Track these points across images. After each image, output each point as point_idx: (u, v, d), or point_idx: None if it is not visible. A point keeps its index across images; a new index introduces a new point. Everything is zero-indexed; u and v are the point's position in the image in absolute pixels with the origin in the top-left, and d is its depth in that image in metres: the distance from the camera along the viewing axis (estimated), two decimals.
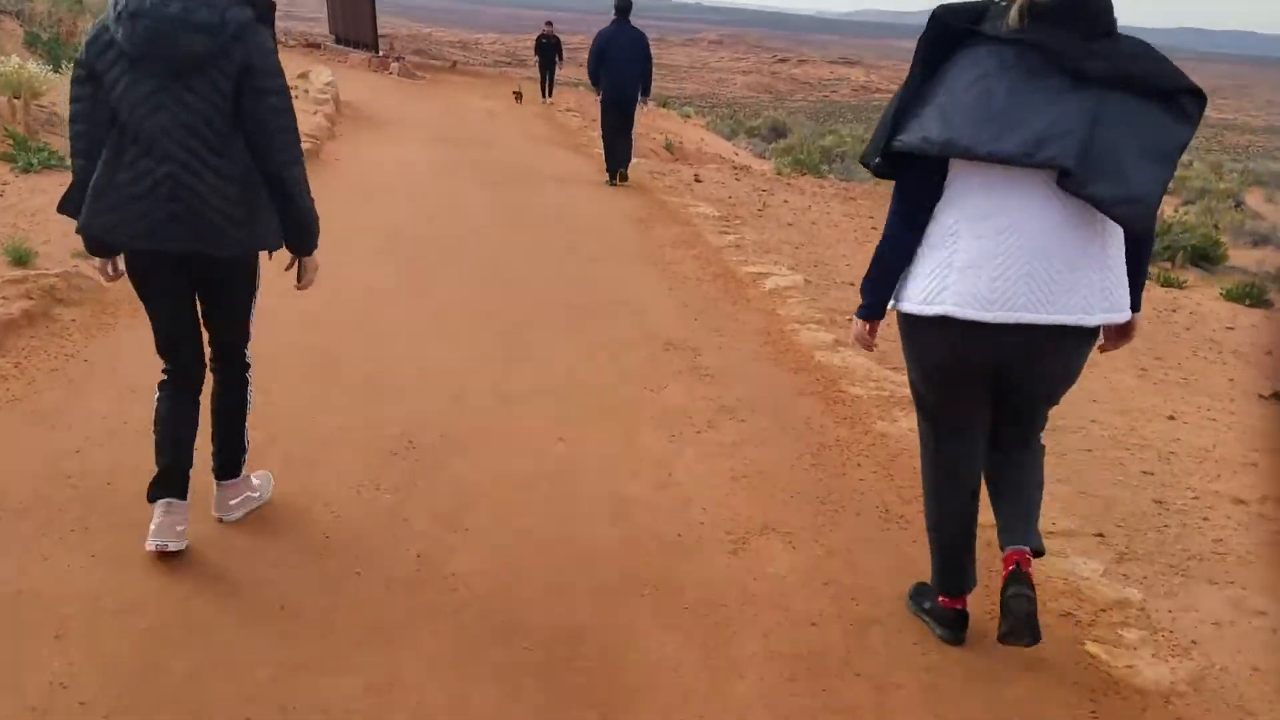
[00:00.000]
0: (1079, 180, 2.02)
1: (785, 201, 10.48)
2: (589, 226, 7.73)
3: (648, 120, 22.73)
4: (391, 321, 4.83)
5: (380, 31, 27.78)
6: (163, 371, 2.69)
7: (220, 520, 2.76)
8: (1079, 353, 2.25)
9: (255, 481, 2.89)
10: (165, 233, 2.39)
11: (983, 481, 2.47)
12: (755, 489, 3.31)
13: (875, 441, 3.81)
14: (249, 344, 2.77)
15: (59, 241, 5.17)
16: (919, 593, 2.62)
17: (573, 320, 5.14)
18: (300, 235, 2.61)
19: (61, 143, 7.79)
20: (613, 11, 9.63)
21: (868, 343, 2.46)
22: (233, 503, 2.77)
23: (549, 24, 19.55)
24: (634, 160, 11.71)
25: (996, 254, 2.11)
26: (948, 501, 2.44)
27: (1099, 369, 5.20)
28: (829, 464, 3.59)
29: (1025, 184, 2.10)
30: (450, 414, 3.75)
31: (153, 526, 2.53)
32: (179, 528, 2.55)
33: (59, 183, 6.69)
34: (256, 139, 2.41)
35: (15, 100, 7.62)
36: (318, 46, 28.58)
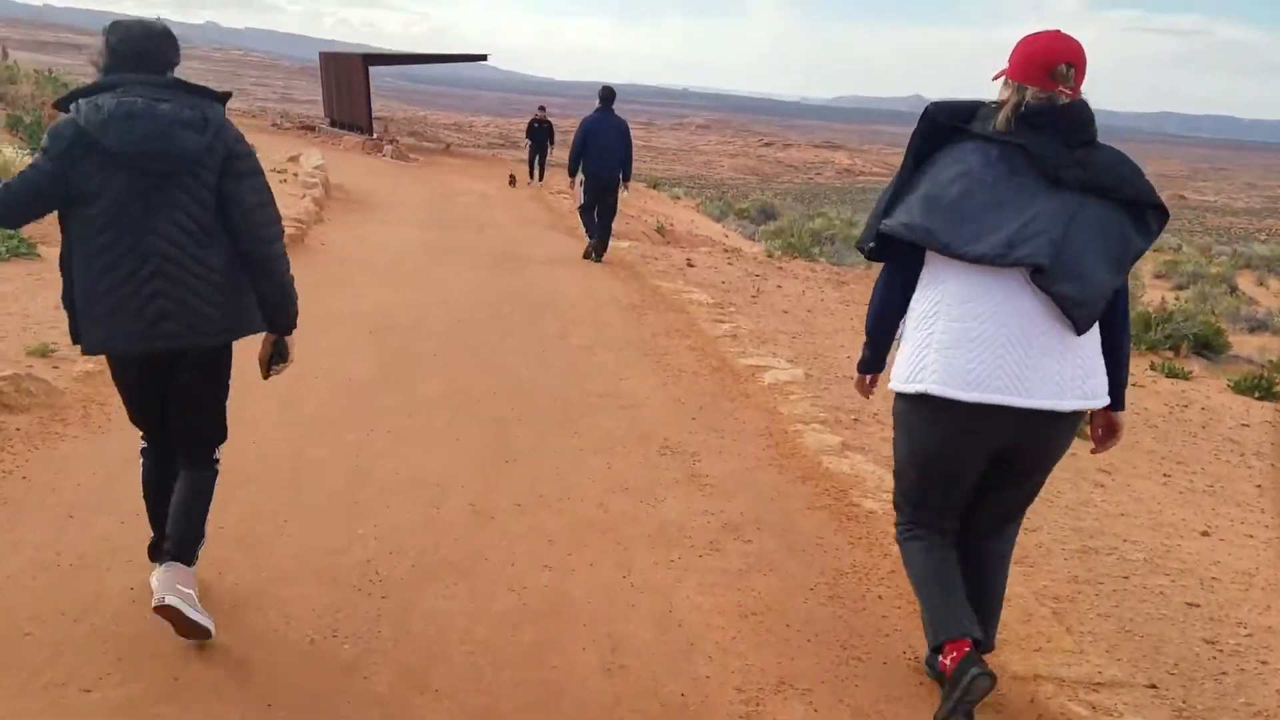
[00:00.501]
0: (1049, 278, 2.15)
1: (779, 287, 10.29)
2: (580, 313, 7.46)
3: (638, 202, 22.85)
4: (369, 419, 4.49)
5: (376, 114, 28.13)
6: (143, 439, 2.73)
7: (162, 601, 2.42)
8: (1055, 440, 2.33)
9: (196, 601, 2.56)
10: (157, 332, 2.41)
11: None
12: (767, 630, 2.94)
13: (895, 567, 3.45)
14: (220, 445, 2.73)
15: (15, 336, 4.86)
16: (932, 657, 2.52)
17: (563, 417, 4.81)
18: (280, 312, 2.63)
19: (33, 229, 7.55)
20: (597, 100, 9.94)
21: (865, 391, 2.74)
22: (180, 588, 2.48)
23: (542, 109, 19.70)
24: (627, 244, 11.57)
25: (973, 338, 2.22)
26: (923, 570, 2.48)
27: (1121, 476, 4.89)
28: (847, 595, 3.22)
29: (1002, 275, 2.21)
30: (425, 534, 3.38)
31: (154, 584, 2.50)
32: (175, 598, 2.44)
33: (26, 272, 6.44)
34: (237, 220, 2.46)
35: None
36: (313, 129, 28.84)
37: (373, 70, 27.37)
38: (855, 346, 7.31)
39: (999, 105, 2.28)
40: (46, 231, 7.94)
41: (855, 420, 5.30)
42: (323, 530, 3.34)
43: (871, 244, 2.41)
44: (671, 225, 17.07)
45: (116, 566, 2.93)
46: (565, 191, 19.76)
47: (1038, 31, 2.32)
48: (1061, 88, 2.24)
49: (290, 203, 10.90)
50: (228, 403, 2.74)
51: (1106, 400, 2.31)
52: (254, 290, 2.55)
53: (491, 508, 3.67)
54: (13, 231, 6.56)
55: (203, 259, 2.42)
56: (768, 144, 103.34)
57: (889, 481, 4.15)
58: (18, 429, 3.83)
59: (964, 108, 2.34)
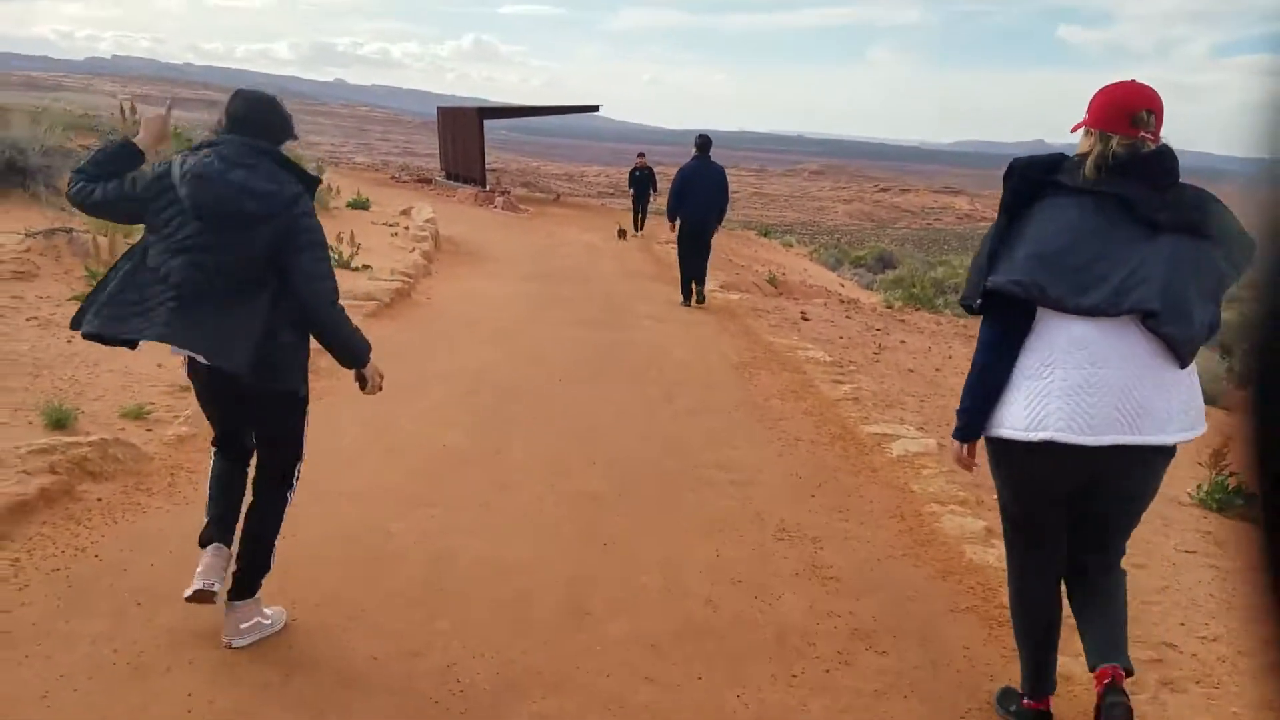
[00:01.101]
0: (1160, 320, 2.21)
1: (902, 342, 9.67)
2: (687, 372, 7.06)
3: (748, 250, 22.45)
4: (457, 491, 4.18)
5: (490, 166, 28.78)
6: (212, 443, 2.97)
7: (229, 645, 2.74)
8: (1161, 470, 2.41)
9: (268, 611, 2.88)
10: (166, 335, 2.59)
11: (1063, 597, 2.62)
12: None
13: (1062, 690, 2.87)
14: (299, 465, 2.93)
15: (112, 396, 4.78)
16: (1004, 696, 2.78)
17: (666, 493, 4.39)
18: (345, 357, 2.85)
19: None
20: (693, 148, 10.07)
21: (968, 464, 2.58)
22: (243, 626, 2.78)
23: (641, 155, 18.77)
24: (737, 295, 11.18)
25: (1092, 384, 2.26)
26: (1033, 608, 2.60)
27: None
28: None
29: (1114, 321, 2.27)
30: (511, 635, 3.00)
31: (199, 569, 2.74)
32: (223, 569, 2.77)
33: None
34: (299, 284, 2.66)
35: (102, 238, 7.58)
36: (428, 182, 29.70)
37: (491, 124, 28.05)
38: None
39: (1084, 156, 2.33)
40: None
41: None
42: (401, 624, 3.00)
43: (978, 300, 2.42)
44: (784, 275, 16.57)
45: (177, 667, 2.66)
46: (670, 241, 19.57)
47: (1116, 82, 2.38)
48: (1144, 134, 2.29)
49: (400, 256, 10.97)
50: (302, 449, 2.94)
51: (1205, 428, 2.37)
52: (321, 342, 2.79)
53: (585, 602, 3.26)
54: None
55: (235, 312, 2.59)
56: (884, 189, 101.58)
57: None
58: (99, 499, 3.66)
59: (1049, 161, 2.39)
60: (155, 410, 4.60)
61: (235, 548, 2.84)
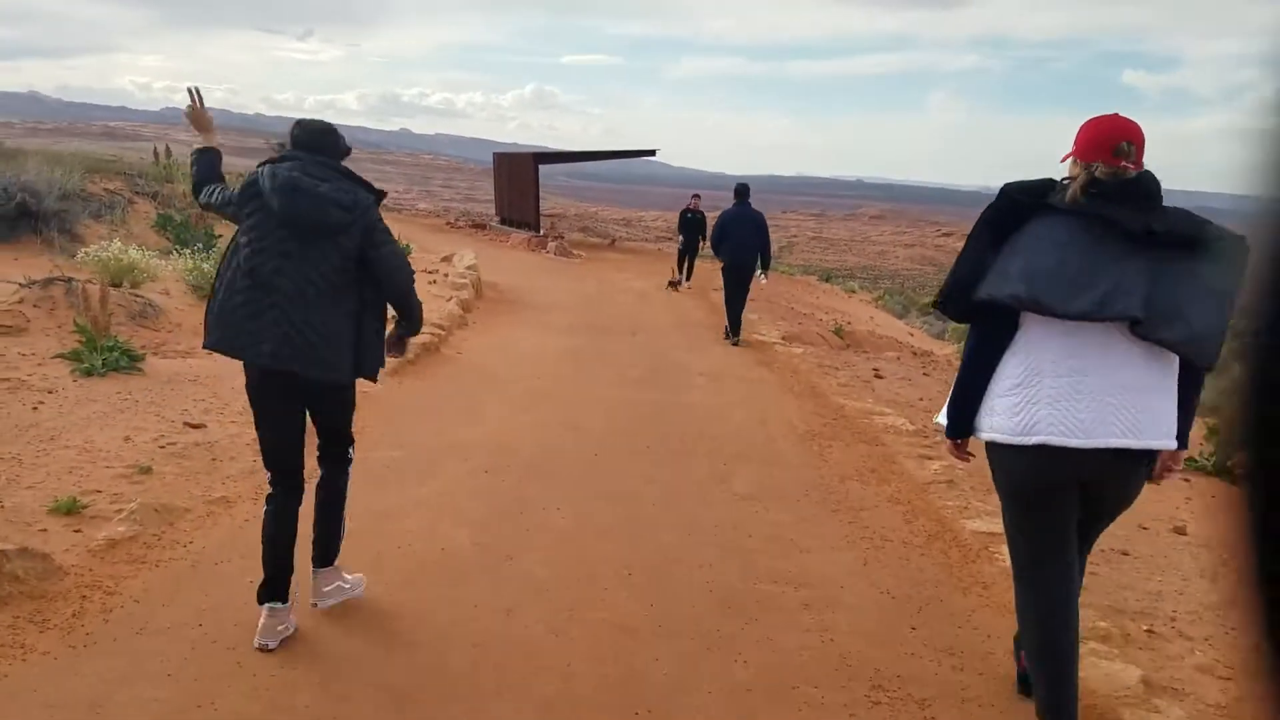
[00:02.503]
0: (1148, 327, 2.36)
1: None
2: (746, 444, 6.06)
3: (810, 298, 21.38)
4: (448, 620, 3.23)
5: (549, 212, 28.37)
6: (269, 484, 3.07)
7: (315, 606, 3.11)
8: (1143, 474, 2.55)
9: (348, 576, 3.25)
10: (285, 352, 2.84)
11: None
12: None
13: None
14: (352, 446, 3.23)
15: (51, 482, 3.97)
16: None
17: (723, 624, 3.39)
18: (410, 327, 3.19)
19: (147, 337, 7.01)
20: (733, 195, 10.55)
21: (962, 456, 2.81)
22: (326, 589, 3.17)
23: (696, 196, 16.46)
24: (801, 349, 10.22)
25: (1080, 390, 2.42)
26: (1046, 623, 2.60)
27: None
28: None
29: (1098, 331, 2.43)
30: None
31: (258, 629, 2.93)
32: (280, 628, 2.96)
33: (119, 390, 5.73)
34: (382, 275, 2.99)
35: (115, 288, 6.91)
36: (483, 227, 29.39)
37: (550, 170, 27.66)
38: (1140, 495, 5.53)
39: (1071, 180, 2.51)
40: (162, 341, 7.47)
41: (1149, 631, 3.60)
42: None
43: (951, 304, 2.64)
44: (850, 324, 15.48)
45: None
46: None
47: (1100, 116, 2.57)
48: (1125, 163, 2.47)
49: (437, 305, 10.21)
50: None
51: (1175, 441, 2.47)
52: (396, 311, 3.11)
53: None
54: (116, 343, 5.92)
55: (327, 311, 2.87)
56: (946, 234, 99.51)
57: None
58: None
59: (1039, 186, 2.54)
60: (96, 503, 3.78)
61: (314, 529, 3.21)
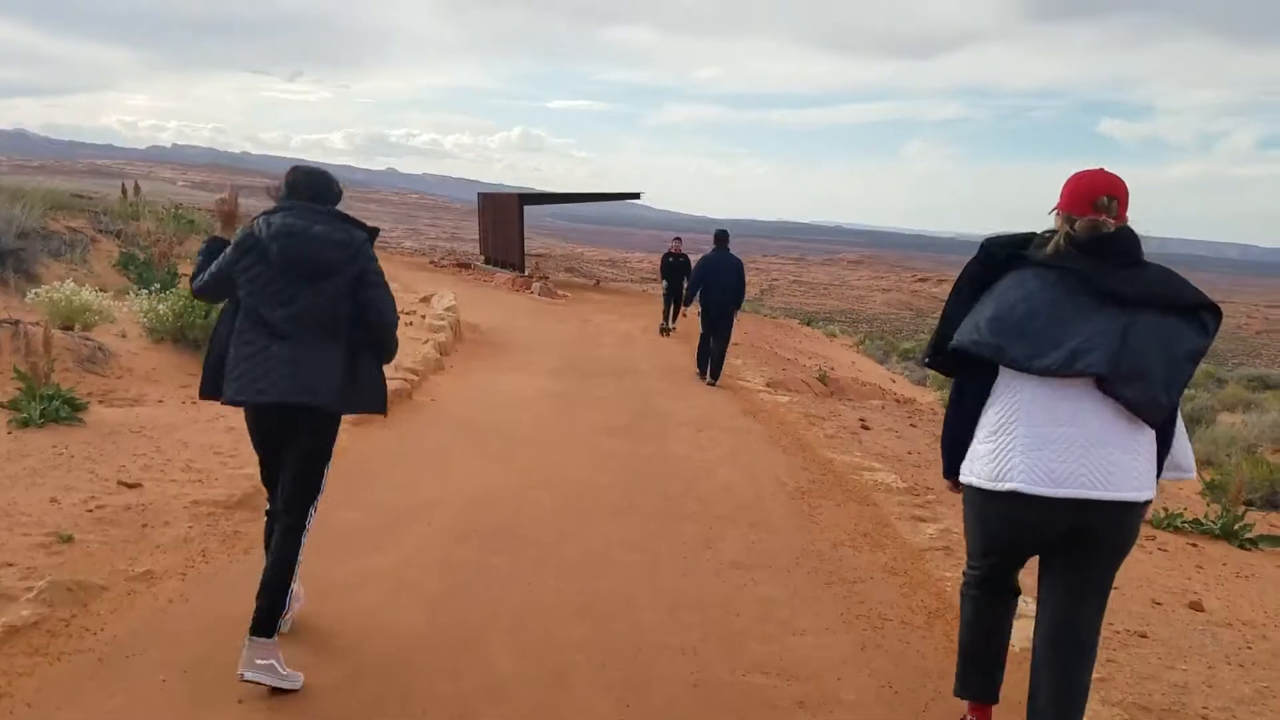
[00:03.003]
0: (1111, 384, 2.39)
1: None
2: (733, 501, 5.70)
3: (792, 342, 21.16)
4: None
5: (535, 252, 28.13)
6: (266, 513, 3.29)
7: (241, 677, 2.80)
8: (1130, 526, 2.52)
9: (284, 670, 2.90)
10: (279, 388, 2.95)
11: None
12: None
13: None
14: (315, 501, 3.15)
15: None
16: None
17: None
18: (384, 358, 3.21)
19: (95, 383, 6.60)
20: (713, 240, 10.79)
21: (956, 491, 2.80)
22: (260, 663, 2.84)
23: (677, 240, 15.71)
24: (787, 398, 9.93)
25: (1053, 440, 2.45)
26: (984, 635, 2.81)
27: None
28: None
29: (1074, 383, 2.44)
30: None
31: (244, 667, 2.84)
32: (259, 661, 2.83)
33: (53, 444, 5.27)
34: (371, 316, 3.08)
35: (65, 330, 6.51)
36: (468, 267, 29.13)
37: (536, 211, 27.49)
38: (1130, 566, 5.19)
39: (1051, 235, 2.56)
40: (110, 388, 7.06)
41: None
42: None
43: (937, 357, 2.71)
44: (833, 371, 15.22)
45: None
46: None
47: (1083, 170, 2.59)
48: (1105, 217, 2.50)
49: (410, 349, 9.83)
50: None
51: (1154, 492, 2.52)
52: (369, 343, 3.13)
53: None
54: (58, 391, 5.51)
55: (328, 348, 3.01)
56: (922, 279, 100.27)
57: None
58: None
59: (1018, 239, 2.61)
60: (4, 579, 3.36)
61: (258, 595, 2.99)
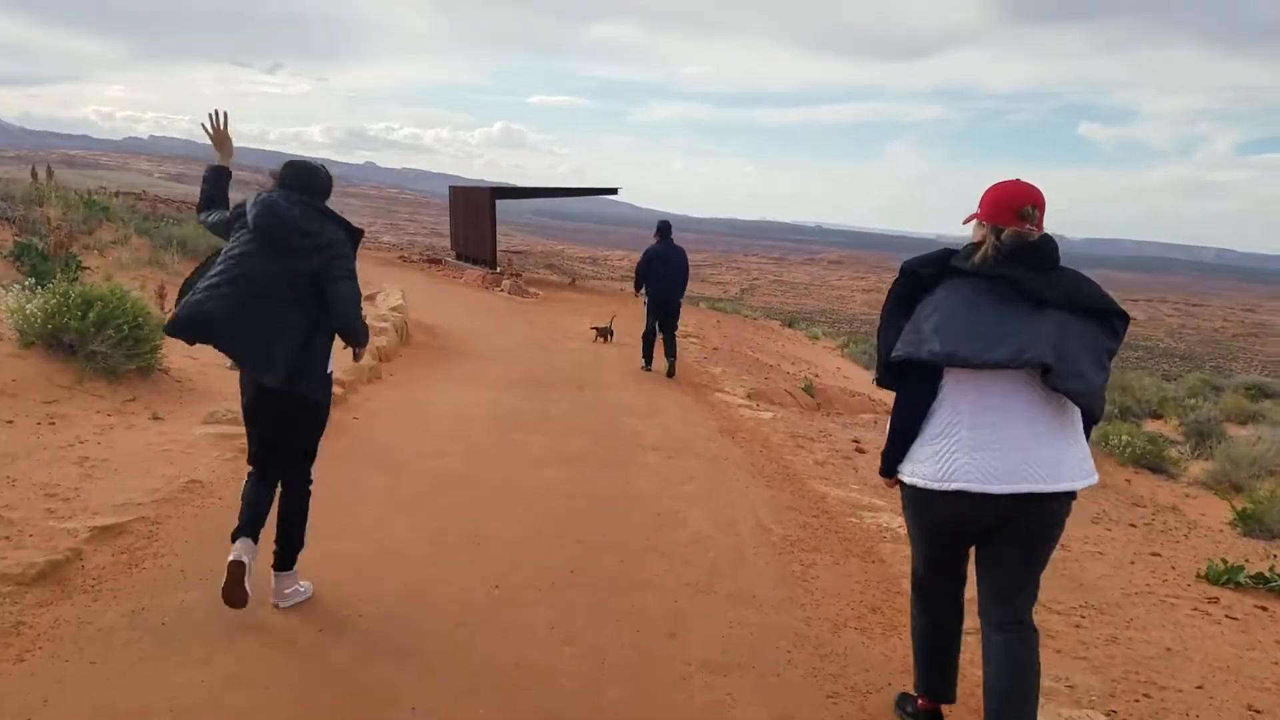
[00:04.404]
0: (1058, 376, 2.52)
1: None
2: (707, 565, 4.55)
3: (775, 346, 20.06)
4: None
5: (515, 248, 26.88)
6: (250, 472, 3.55)
7: (276, 606, 3.46)
8: (1062, 515, 2.69)
9: (302, 583, 3.61)
10: (228, 341, 3.31)
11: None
12: None
13: None
14: (313, 464, 3.64)
15: None
16: (901, 700, 3.14)
17: None
18: (354, 345, 3.53)
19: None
20: (655, 232, 10.73)
21: (892, 486, 2.91)
22: (286, 592, 3.51)
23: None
24: (771, 413, 8.81)
25: (995, 440, 2.59)
26: (935, 628, 2.97)
27: None
28: None
29: (1010, 384, 2.61)
30: None
31: (232, 551, 3.33)
32: (251, 550, 3.35)
33: None
34: (333, 309, 3.33)
35: None
36: (438, 262, 27.92)
37: (516, 207, 26.35)
38: (1190, 640, 4.13)
39: (975, 245, 2.70)
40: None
41: None
42: None
43: (887, 376, 2.79)
44: (819, 379, 14.13)
45: None
46: (693, 334, 17.18)
47: (1003, 181, 2.74)
48: (1029, 226, 2.65)
49: (342, 357, 8.62)
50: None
51: (1096, 478, 2.70)
52: (341, 337, 3.44)
53: None
54: None
55: (284, 317, 3.28)
56: None
57: None
58: None
59: (937, 256, 2.76)
60: None
61: (275, 542, 3.56)
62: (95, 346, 6.59)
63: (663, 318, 10.68)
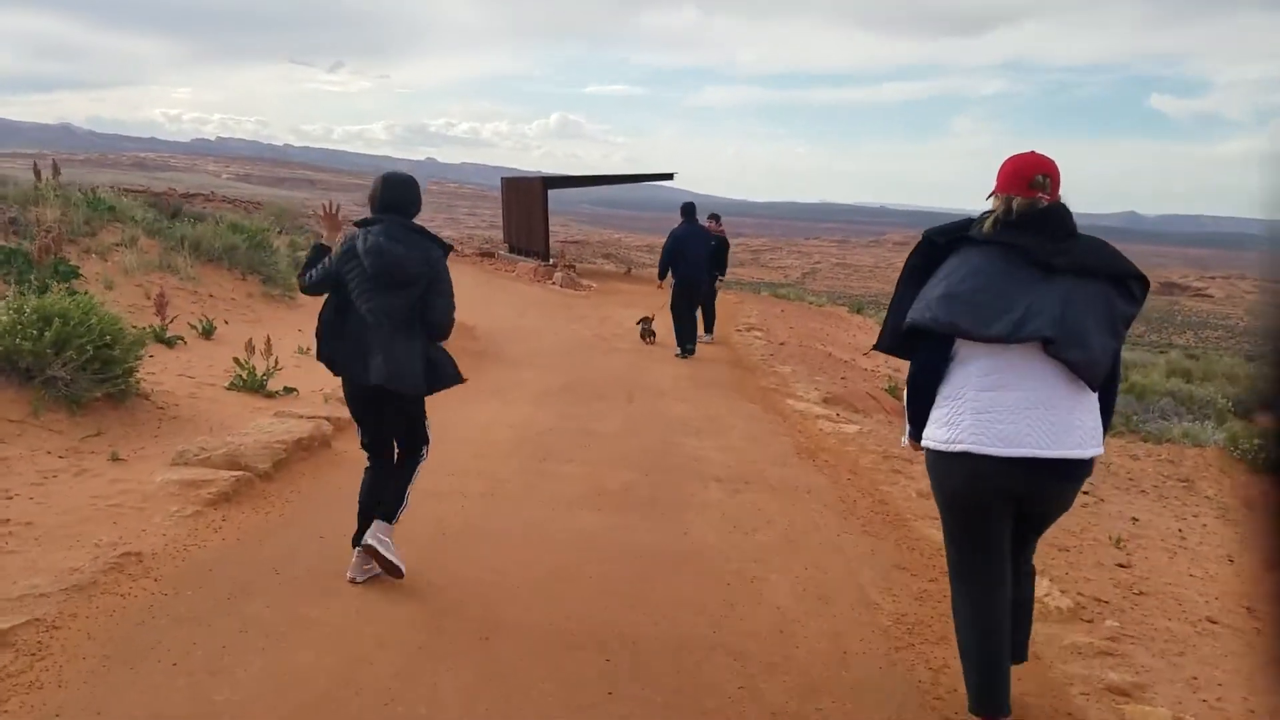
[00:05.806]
0: (1058, 347, 2.57)
1: (1134, 520, 5.75)
2: (796, 670, 3.29)
3: (846, 336, 18.52)
4: None
5: (572, 238, 25.96)
6: (368, 460, 3.97)
7: (372, 545, 3.68)
8: (1074, 483, 2.75)
9: (393, 547, 3.79)
10: (371, 371, 3.67)
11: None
12: None
13: None
14: (426, 445, 3.98)
15: None
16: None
17: None
18: (438, 339, 3.86)
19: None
20: (679, 213, 10.76)
21: (917, 451, 2.95)
22: (383, 538, 3.73)
23: (713, 217, 12.52)
24: (855, 427, 7.47)
25: (1002, 405, 2.63)
26: (980, 617, 2.81)
27: None
28: None
29: (1018, 350, 2.63)
30: None
31: (351, 564, 3.77)
32: (366, 565, 3.75)
33: None
34: (430, 316, 3.76)
35: None
36: (491, 255, 27.14)
37: (571, 196, 25.36)
38: None
39: (987, 215, 2.74)
40: None
41: None
42: None
43: (890, 342, 2.88)
44: (899, 373, 12.66)
45: None
46: (756, 326, 15.83)
47: (1017, 153, 2.77)
48: (1040, 195, 2.69)
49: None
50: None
51: (1103, 449, 2.73)
52: (426, 331, 3.78)
53: None
54: None
55: (407, 338, 3.69)
56: None
57: None
58: None
59: (957, 225, 2.81)
60: None
61: (382, 494, 3.90)
62: (54, 371, 5.57)
63: (688, 300, 10.67)
